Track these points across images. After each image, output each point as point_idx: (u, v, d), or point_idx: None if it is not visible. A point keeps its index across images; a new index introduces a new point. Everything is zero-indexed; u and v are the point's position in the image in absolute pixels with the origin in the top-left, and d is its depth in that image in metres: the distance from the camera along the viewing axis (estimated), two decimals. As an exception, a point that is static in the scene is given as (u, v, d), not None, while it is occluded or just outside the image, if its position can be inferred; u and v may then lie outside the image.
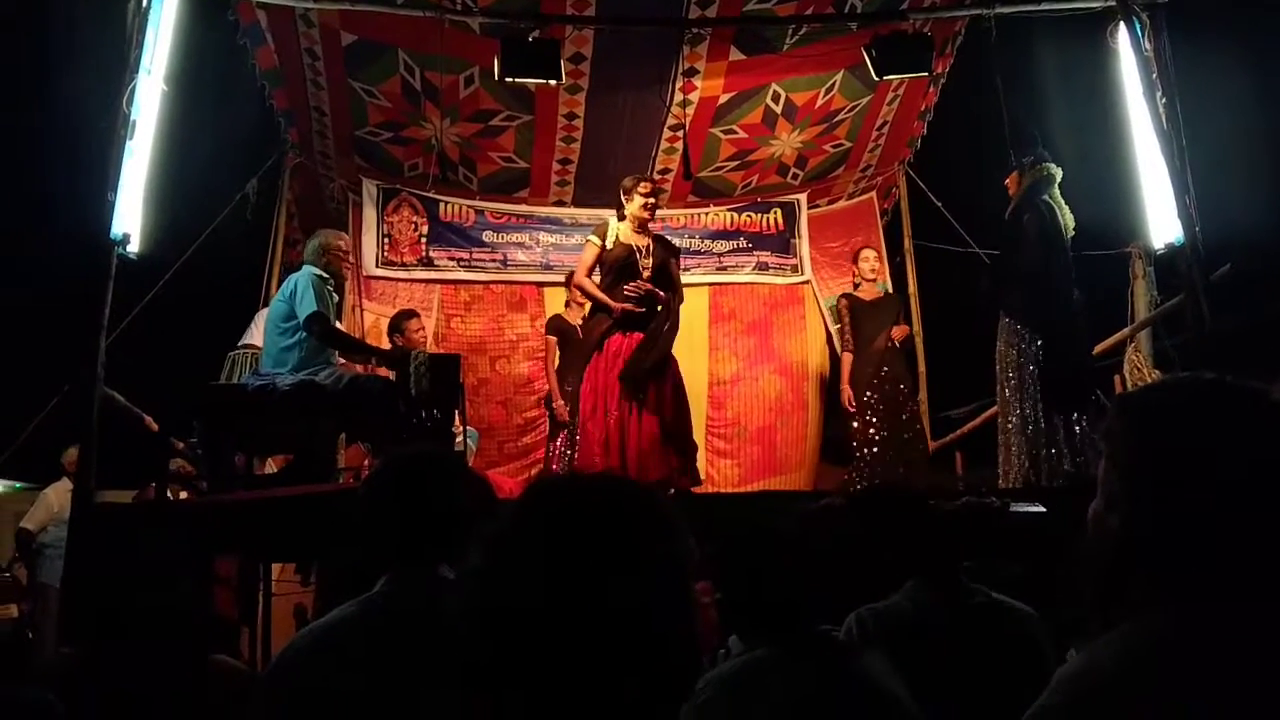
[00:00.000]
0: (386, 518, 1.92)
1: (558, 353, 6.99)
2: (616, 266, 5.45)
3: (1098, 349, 6.51)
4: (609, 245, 5.50)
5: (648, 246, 5.51)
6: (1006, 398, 5.47)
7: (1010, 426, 5.43)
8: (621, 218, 5.56)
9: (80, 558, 4.47)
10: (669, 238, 6.07)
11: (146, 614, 2.30)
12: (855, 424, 6.70)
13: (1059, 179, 5.57)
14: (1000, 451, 5.52)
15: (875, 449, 6.55)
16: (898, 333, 6.86)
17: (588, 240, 5.70)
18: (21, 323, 6.84)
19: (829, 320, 8.18)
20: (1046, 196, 5.51)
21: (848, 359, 6.87)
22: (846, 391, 6.79)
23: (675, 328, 5.50)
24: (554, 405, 6.83)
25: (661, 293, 5.48)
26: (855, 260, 7.20)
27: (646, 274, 5.44)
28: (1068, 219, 5.52)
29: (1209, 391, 1.15)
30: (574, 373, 6.15)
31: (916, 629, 2.38)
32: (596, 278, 5.58)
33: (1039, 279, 5.40)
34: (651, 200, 5.54)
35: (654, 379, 5.38)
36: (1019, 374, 5.39)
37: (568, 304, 7.10)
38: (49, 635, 5.86)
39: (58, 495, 6.61)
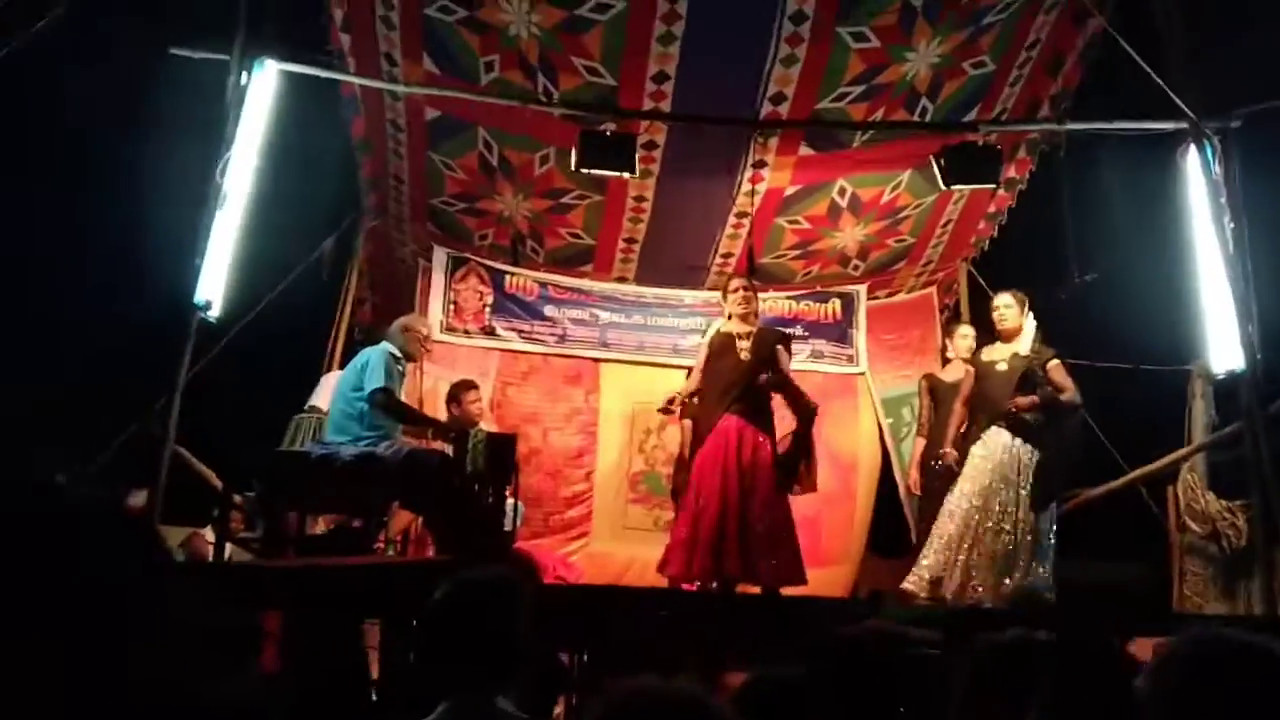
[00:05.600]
0: (446, 648, 2.01)
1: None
2: (716, 350, 5.95)
3: (1153, 467, 6.48)
4: (709, 335, 6.10)
5: (748, 333, 5.95)
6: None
7: None
8: (727, 316, 6.07)
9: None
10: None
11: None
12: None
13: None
14: None
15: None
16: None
17: (700, 344, 6.28)
18: (100, 371, 7.08)
19: (881, 414, 8.17)
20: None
21: (919, 443, 6.57)
22: (912, 476, 6.60)
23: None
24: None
25: (810, 400, 5.96)
26: (951, 335, 6.94)
27: (745, 355, 5.84)
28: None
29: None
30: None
31: None
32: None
33: None
34: (741, 294, 6.02)
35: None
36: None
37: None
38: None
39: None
